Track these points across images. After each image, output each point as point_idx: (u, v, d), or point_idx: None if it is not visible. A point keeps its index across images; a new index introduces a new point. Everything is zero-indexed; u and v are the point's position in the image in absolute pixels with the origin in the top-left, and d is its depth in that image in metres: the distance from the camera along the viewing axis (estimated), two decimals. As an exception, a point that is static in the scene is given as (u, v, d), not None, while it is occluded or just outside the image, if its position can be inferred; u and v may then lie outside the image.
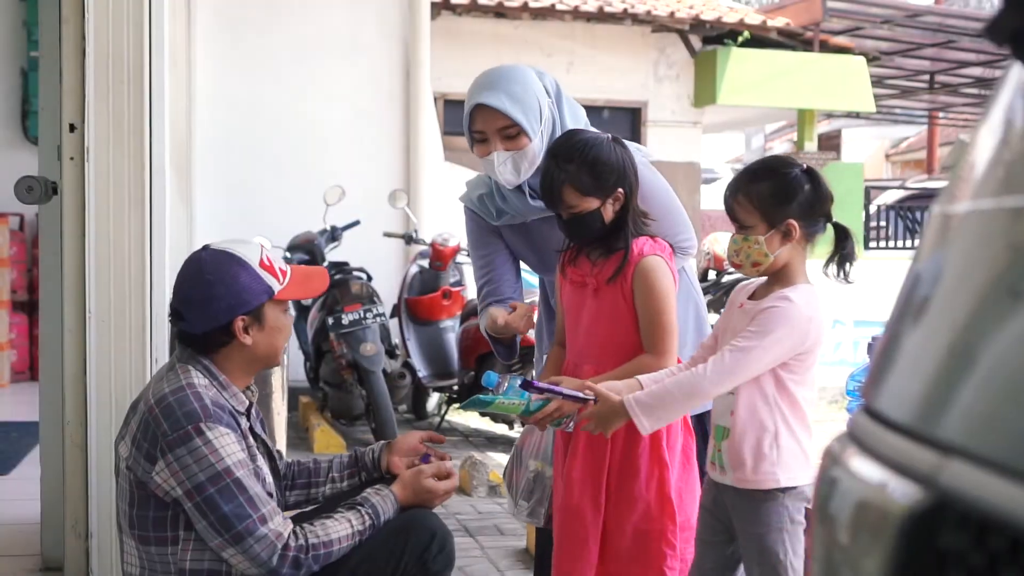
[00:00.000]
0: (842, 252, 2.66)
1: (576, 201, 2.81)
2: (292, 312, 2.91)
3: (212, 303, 2.74)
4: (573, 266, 2.94)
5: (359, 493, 2.89)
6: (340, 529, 2.74)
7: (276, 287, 2.81)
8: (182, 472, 2.61)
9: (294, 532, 2.68)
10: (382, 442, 3.15)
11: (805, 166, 2.63)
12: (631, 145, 2.98)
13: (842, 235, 2.66)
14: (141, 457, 2.66)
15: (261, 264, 2.80)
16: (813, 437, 2.65)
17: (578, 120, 3.09)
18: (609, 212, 2.83)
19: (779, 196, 2.59)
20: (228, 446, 2.64)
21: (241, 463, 2.65)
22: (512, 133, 2.95)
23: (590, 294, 2.88)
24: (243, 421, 2.79)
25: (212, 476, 2.61)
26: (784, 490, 2.60)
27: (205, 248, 2.85)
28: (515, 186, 3.04)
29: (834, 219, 2.66)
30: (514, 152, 2.95)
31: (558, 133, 2.99)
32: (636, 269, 2.81)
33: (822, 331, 2.62)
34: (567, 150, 2.83)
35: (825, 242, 2.69)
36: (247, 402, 2.85)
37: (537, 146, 2.96)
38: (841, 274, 2.67)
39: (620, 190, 2.82)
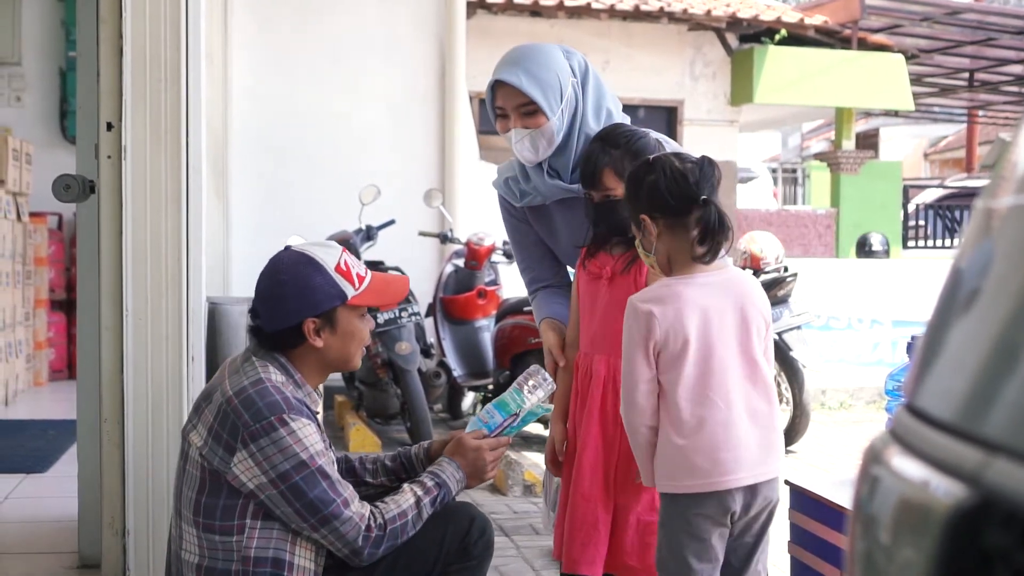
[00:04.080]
0: (704, 227, 2.53)
1: (613, 184, 2.84)
2: (370, 319, 2.92)
3: (282, 303, 2.77)
4: (593, 259, 2.96)
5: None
6: (407, 500, 2.81)
7: (350, 292, 2.81)
8: (265, 462, 2.64)
9: (372, 513, 2.75)
10: (428, 441, 3.17)
11: (651, 157, 2.58)
12: (672, 145, 2.98)
13: (705, 208, 2.52)
14: (219, 447, 2.68)
15: (337, 268, 2.80)
16: (706, 437, 2.51)
17: (601, 105, 3.09)
18: None
19: (630, 195, 2.58)
20: (310, 436, 2.68)
21: (321, 452, 2.70)
22: (530, 110, 2.97)
23: (605, 284, 2.91)
24: (318, 419, 2.82)
25: (296, 464, 2.64)
26: (664, 495, 2.58)
27: (287, 248, 2.88)
28: (534, 164, 3.06)
29: (707, 199, 2.51)
30: (532, 130, 2.98)
31: (579, 114, 3.01)
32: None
33: (681, 325, 2.49)
34: (614, 136, 2.89)
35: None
36: (319, 403, 2.88)
37: (556, 125, 2.97)
38: (699, 251, 2.53)
39: None
